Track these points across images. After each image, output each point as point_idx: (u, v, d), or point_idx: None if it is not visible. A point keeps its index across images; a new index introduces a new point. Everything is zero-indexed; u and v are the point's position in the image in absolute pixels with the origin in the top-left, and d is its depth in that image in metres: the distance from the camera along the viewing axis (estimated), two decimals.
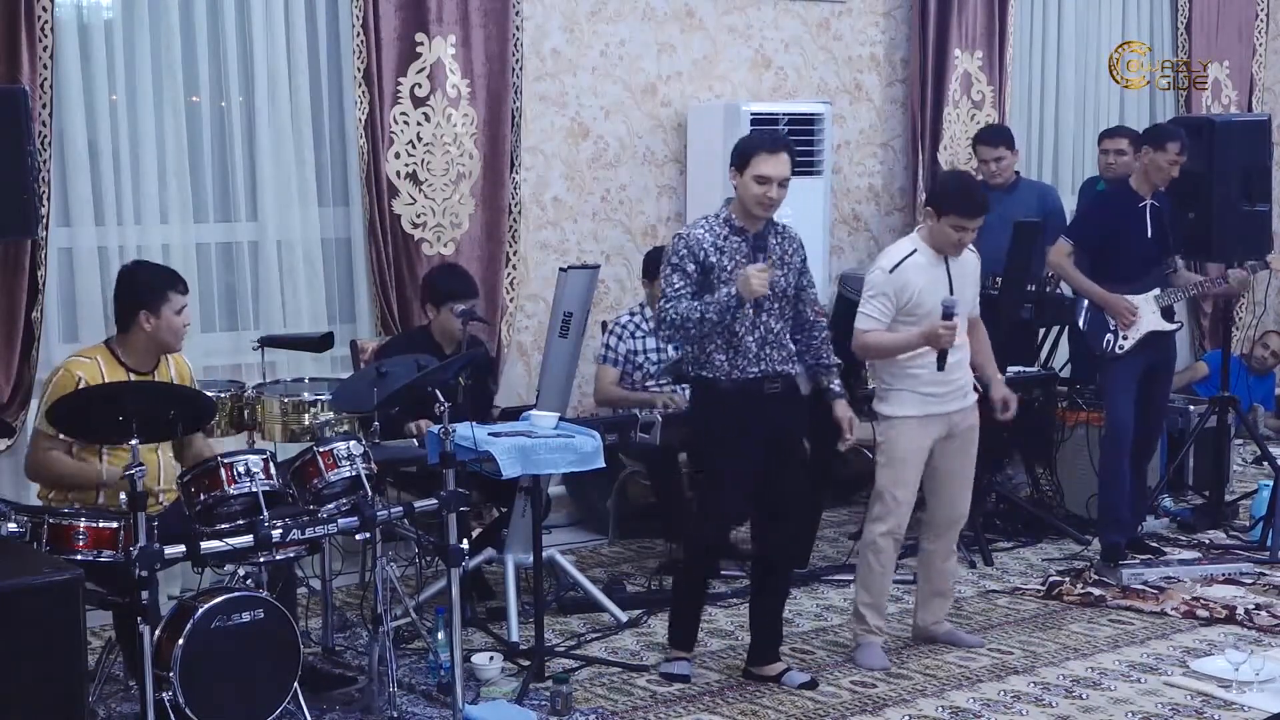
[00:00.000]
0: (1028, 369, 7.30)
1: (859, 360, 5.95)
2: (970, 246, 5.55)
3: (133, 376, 4.95)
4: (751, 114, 7.40)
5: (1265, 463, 7.57)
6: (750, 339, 5.11)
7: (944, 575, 5.68)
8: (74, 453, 4.90)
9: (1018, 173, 7.79)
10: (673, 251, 5.13)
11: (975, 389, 5.58)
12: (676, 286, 5.07)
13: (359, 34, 6.52)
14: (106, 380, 4.88)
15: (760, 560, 5.45)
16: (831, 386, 5.30)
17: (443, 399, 4.83)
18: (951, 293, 5.37)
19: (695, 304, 5.03)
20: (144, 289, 5.01)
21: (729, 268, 5.07)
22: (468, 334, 5.95)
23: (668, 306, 5.06)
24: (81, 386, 4.83)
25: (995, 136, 7.76)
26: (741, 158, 5.08)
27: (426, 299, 6.16)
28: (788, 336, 5.21)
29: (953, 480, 5.53)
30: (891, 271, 5.36)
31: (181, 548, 4.33)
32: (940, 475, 5.52)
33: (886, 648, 5.58)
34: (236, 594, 4.48)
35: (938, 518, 5.59)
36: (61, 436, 4.80)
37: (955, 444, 5.50)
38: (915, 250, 5.40)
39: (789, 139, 5.34)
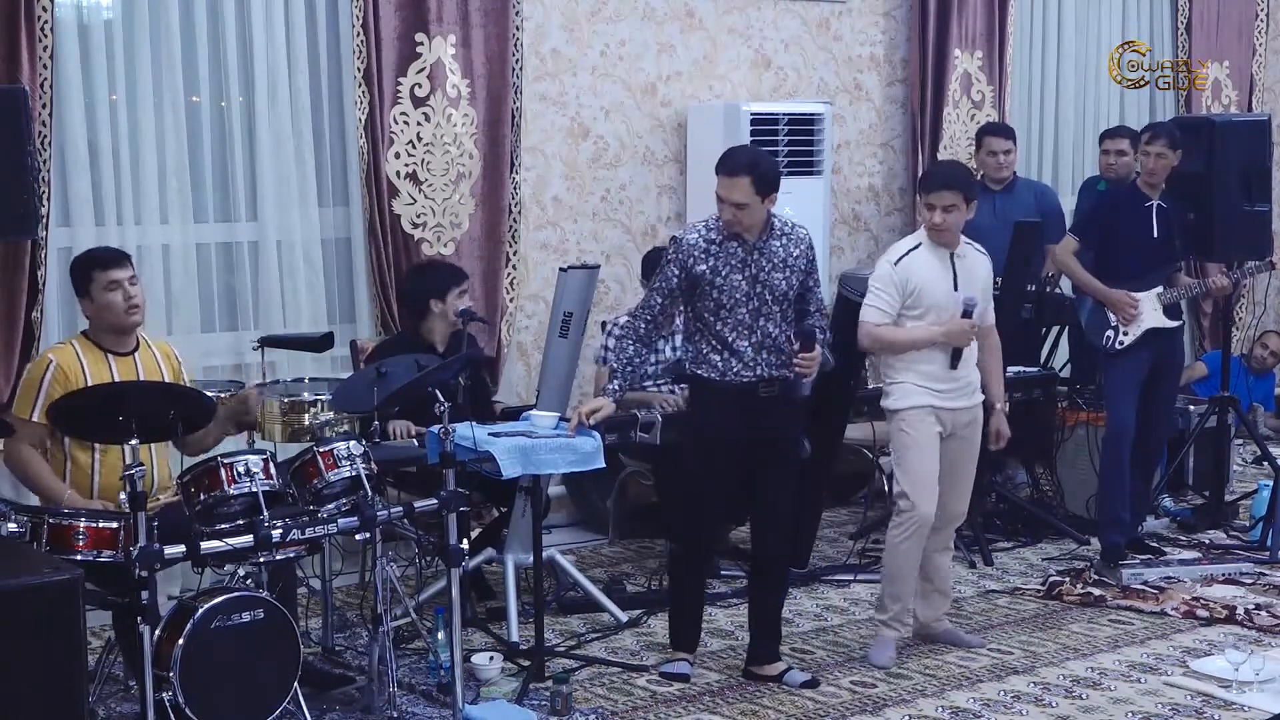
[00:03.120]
0: (1028, 369, 7.30)
1: (858, 362, 5.96)
2: (980, 249, 5.58)
3: (111, 358, 4.97)
4: (751, 114, 7.40)
5: (1265, 463, 7.57)
6: (746, 343, 5.13)
7: (942, 572, 5.68)
8: (49, 450, 4.92)
9: (1015, 173, 7.80)
10: (665, 254, 5.23)
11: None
12: (654, 287, 5.23)
13: (359, 34, 6.52)
14: (83, 363, 4.92)
15: (755, 561, 5.47)
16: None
17: (443, 399, 4.83)
18: (956, 287, 5.41)
19: (634, 353, 5.22)
20: (72, 277, 5.07)
21: (723, 273, 5.09)
22: (466, 334, 5.95)
23: (638, 310, 5.25)
24: (53, 370, 4.87)
25: (1004, 130, 7.83)
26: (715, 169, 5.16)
27: (431, 294, 6.07)
28: (785, 340, 5.20)
29: (953, 478, 5.53)
30: (896, 264, 5.42)
31: (181, 548, 4.33)
32: (941, 473, 5.52)
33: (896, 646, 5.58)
34: (236, 594, 4.48)
35: (936, 514, 5.58)
36: (35, 419, 4.85)
37: (958, 443, 5.51)
38: (920, 245, 5.44)
39: (762, 162, 5.10)
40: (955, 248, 5.45)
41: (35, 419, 4.87)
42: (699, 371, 5.21)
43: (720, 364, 5.15)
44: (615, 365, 5.26)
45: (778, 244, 5.17)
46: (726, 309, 5.11)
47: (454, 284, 6.02)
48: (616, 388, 5.20)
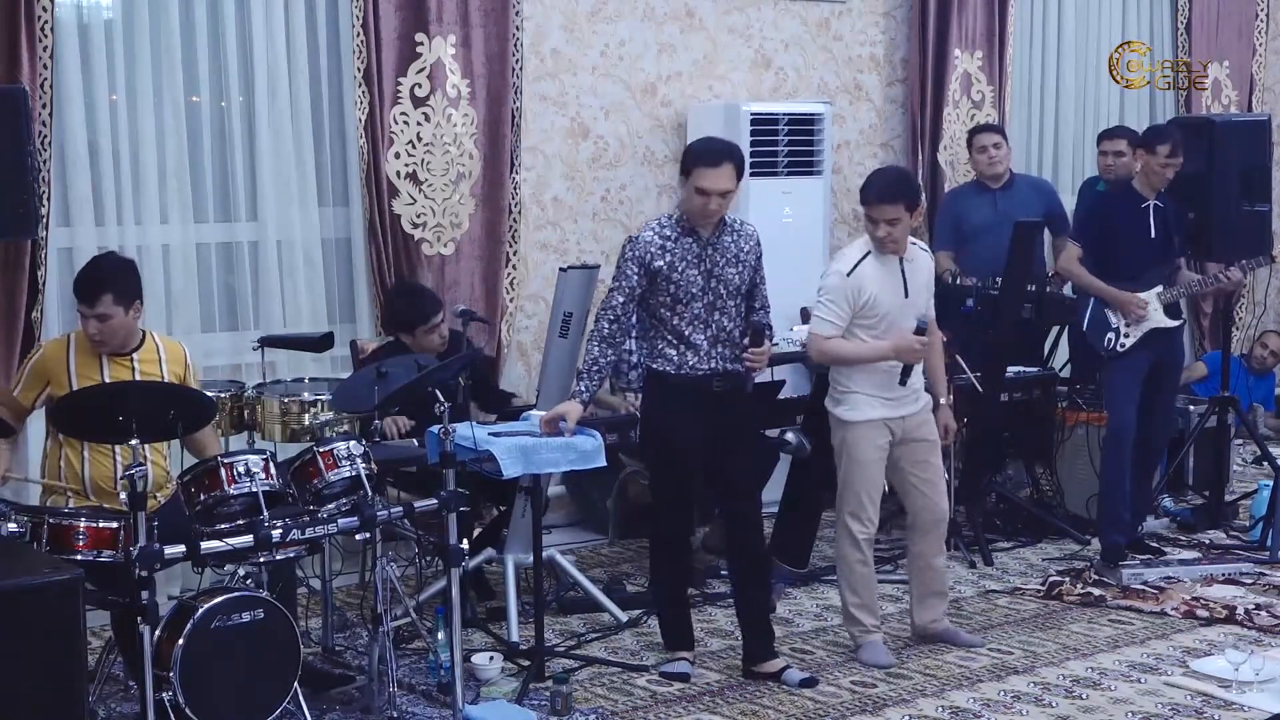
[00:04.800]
0: (1028, 369, 7.31)
1: None
2: (924, 247, 5.58)
3: (105, 356, 4.97)
4: (751, 114, 7.41)
5: (1265, 463, 7.58)
6: (702, 337, 5.17)
7: (936, 575, 5.67)
8: (46, 446, 5.01)
9: (1011, 170, 7.82)
10: (621, 253, 5.23)
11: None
12: (617, 287, 5.18)
13: (359, 34, 6.52)
14: (72, 358, 4.94)
15: (731, 559, 5.52)
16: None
17: (443, 399, 4.83)
18: (906, 294, 5.38)
19: (588, 358, 5.17)
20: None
21: (680, 268, 5.12)
22: (466, 334, 5.96)
23: (603, 314, 5.19)
24: (37, 358, 4.98)
25: (992, 127, 7.91)
26: (686, 167, 5.14)
27: (398, 329, 6.16)
28: (738, 335, 5.24)
29: (924, 483, 5.53)
30: (849, 275, 5.38)
31: (181, 548, 4.33)
32: (910, 480, 5.53)
33: (888, 645, 5.58)
34: (236, 594, 4.48)
35: (918, 520, 5.59)
36: (16, 394, 4.99)
37: (916, 448, 5.49)
38: (869, 253, 5.41)
39: (736, 148, 5.23)
40: (903, 253, 5.43)
41: (16, 395, 5.00)
42: (654, 366, 5.24)
43: (676, 358, 5.18)
44: (581, 368, 5.26)
45: (729, 240, 5.21)
46: (683, 303, 5.15)
47: (420, 322, 6.03)
48: (583, 389, 5.18)
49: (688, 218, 5.18)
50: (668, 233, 5.17)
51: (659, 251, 5.14)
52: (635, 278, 5.16)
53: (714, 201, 5.10)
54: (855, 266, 5.39)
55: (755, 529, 5.43)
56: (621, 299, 5.18)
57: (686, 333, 5.16)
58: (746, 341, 5.20)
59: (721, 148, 5.21)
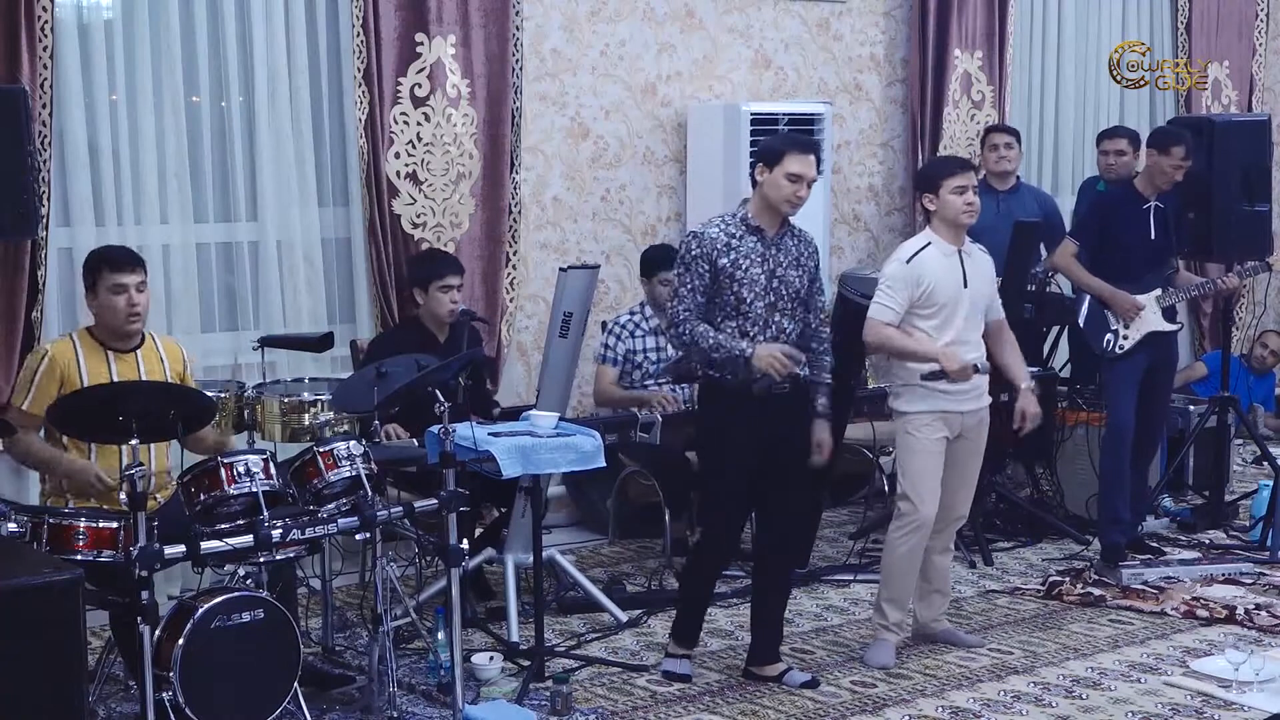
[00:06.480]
0: (1029, 368, 7.29)
1: (858, 362, 5.96)
2: (983, 249, 5.61)
3: (111, 355, 4.98)
4: (751, 114, 7.40)
5: (1265, 463, 7.57)
6: (763, 339, 5.11)
7: (941, 572, 5.68)
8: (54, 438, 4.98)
9: (1018, 176, 7.82)
10: (686, 250, 5.14)
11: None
12: (689, 286, 5.09)
13: (359, 34, 6.53)
14: (80, 359, 4.94)
15: (760, 560, 5.46)
16: (817, 404, 5.28)
17: (443, 399, 4.82)
18: (965, 285, 5.40)
19: (710, 334, 5.05)
20: (84, 270, 5.07)
21: (744, 266, 5.08)
22: (467, 333, 5.96)
23: (682, 314, 5.10)
24: (46, 362, 4.93)
25: (1007, 128, 7.93)
26: (772, 155, 5.09)
27: (413, 283, 6.21)
28: (798, 336, 5.21)
29: (959, 479, 5.54)
30: (908, 262, 5.40)
31: (181, 548, 4.33)
32: (945, 473, 5.52)
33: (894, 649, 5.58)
34: (236, 594, 4.48)
35: (939, 515, 5.58)
36: (27, 409, 4.94)
37: (964, 444, 5.51)
38: (930, 243, 5.43)
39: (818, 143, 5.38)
40: (963, 245, 5.46)
41: (27, 409, 4.94)
42: (712, 373, 5.16)
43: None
44: (714, 333, 5.07)
45: (791, 242, 5.20)
46: (746, 303, 5.09)
47: (435, 277, 6.06)
48: (745, 345, 5.04)
49: (755, 215, 5.14)
50: (733, 230, 5.12)
51: (724, 249, 5.08)
52: (706, 273, 5.08)
53: (804, 188, 5.08)
54: (915, 255, 5.41)
55: (793, 537, 5.39)
56: (696, 301, 5.08)
57: (751, 334, 5.09)
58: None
59: (808, 139, 5.30)
